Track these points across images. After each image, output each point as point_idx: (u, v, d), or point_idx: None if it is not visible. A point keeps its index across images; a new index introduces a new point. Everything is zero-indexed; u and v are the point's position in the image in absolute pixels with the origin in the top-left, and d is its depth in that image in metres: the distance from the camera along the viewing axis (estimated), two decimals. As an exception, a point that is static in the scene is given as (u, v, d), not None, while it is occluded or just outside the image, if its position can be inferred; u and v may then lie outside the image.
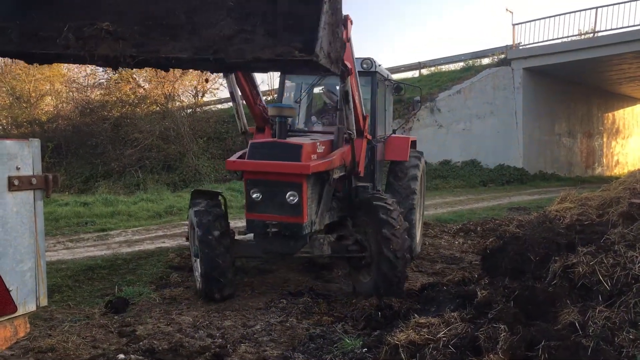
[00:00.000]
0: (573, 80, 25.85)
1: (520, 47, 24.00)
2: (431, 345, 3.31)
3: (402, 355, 3.34)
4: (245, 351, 4.80)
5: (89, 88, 24.49)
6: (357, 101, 6.24)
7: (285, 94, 8.03)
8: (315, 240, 6.25)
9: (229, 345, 5.01)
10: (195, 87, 23.82)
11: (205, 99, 25.03)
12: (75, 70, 25.68)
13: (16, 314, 2.04)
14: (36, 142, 2.16)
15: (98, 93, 24.15)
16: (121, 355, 4.69)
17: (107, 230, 11.48)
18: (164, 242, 10.08)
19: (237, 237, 6.66)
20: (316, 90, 8.35)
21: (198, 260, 6.43)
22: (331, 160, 6.10)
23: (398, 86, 8.58)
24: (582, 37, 22.66)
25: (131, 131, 21.35)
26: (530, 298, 3.40)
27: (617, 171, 30.60)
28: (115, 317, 6.03)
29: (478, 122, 23.20)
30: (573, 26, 23.83)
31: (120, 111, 22.64)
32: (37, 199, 2.09)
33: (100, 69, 23.15)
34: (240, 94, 6.79)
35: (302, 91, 8.03)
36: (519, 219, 11.09)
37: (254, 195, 5.77)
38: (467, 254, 9.07)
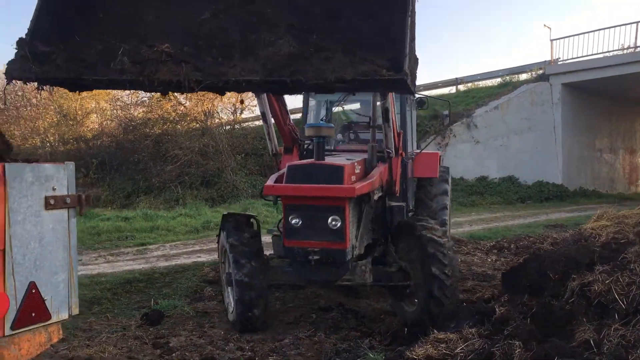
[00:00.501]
0: (614, 95, 25.35)
1: (559, 63, 23.74)
2: (448, 361, 3.41)
3: (420, 369, 3.44)
4: (273, 364, 4.93)
5: (132, 106, 25.28)
6: (394, 118, 6.08)
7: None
8: (357, 267, 5.75)
9: (257, 358, 5.16)
10: (234, 105, 24.32)
11: (243, 115, 25.55)
12: (119, 88, 26.58)
13: (50, 322, 2.26)
14: (71, 165, 2.39)
15: (141, 110, 24.90)
16: (154, 366, 4.89)
17: (146, 245, 11.85)
18: (199, 257, 10.35)
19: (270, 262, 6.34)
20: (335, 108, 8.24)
21: (229, 288, 6.17)
22: (372, 181, 5.83)
23: (421, 100, 8.35)
24: (624, 52, 22.27)
25: (171, 148, 21.91)
26: (547, 315, 3.45)
27: (663, 188, 29.73)
28: (151, 329, 6.26)
29: (516, 138, 22.97)
30: (613, 41, 23.48)
31: (162, 128, 23.27)
32: (70, 216, 2.30)
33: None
34: (270, 114, 6.54)
35: (327, 109, 8.00)
36: (553, 237, 10.95)
37: (294, 221, 5.43)
38: (499, 272, 9.02)
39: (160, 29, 2.96)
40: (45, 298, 2.20)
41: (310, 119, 7.82)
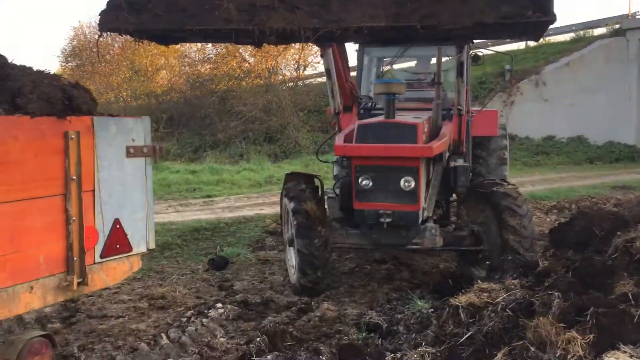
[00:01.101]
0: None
1: (637, 17, 22.46)
2: (489, 308, 3.60)
3: (462, 315, 3.66)
4: (328, 308, 5.27)
5: (198, 62, 25.91)
6: (468, 73, 5.77)
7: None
8: (427, 231, 5.43)
9: (313, 303, 5.52)
10: (297, 61, 24.49)
11: (306, 72, 25.73)
12: (187, 44, 27.27)
13: (131, 253, 2.63)
14: (147, 119, 2.71)
15: (207, 67, 25.51)
16: (219, 304, 5.34)
17: (212, 197, 12.45)
18: (262, 209, 10.81)
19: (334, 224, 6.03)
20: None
21: (291, 249, 5.99)
22: (446, 140, 5.65)
23: (476, 55, 7.95)
24: None
25: (236, 104, 22.46)
26: (589, 269, 3.57)
27: None
28: (216, 273, 6.76)
29: (587, 96, 22.08)
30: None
31: (227, 85, 23.83)
32: (147, 164, 2.64)
33: (210, 44, 24.44)
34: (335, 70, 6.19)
35: (377, 67, 7.73)
36: (617, 198, 10.77)
37: (364, 183, 5.20)
38: (549, 231, 9.00)
39: None
40: (127, 233, 2.57)
41: (366, 77, 7.61)
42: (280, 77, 24.32)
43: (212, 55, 25.32)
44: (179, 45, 28.91)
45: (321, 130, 22.79)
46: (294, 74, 25.08)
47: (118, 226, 2.50)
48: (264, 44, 2.93)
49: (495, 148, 7.77)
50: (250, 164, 17.73)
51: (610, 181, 15.56)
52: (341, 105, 6.46)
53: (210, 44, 23.76)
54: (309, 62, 24.67)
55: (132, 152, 2.53)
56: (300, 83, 25.11)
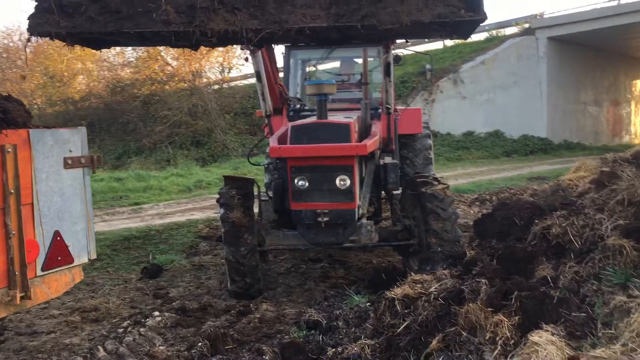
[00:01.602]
0: (599, 48, 25.58)
1: (545, 16, 23.83)
2: (423, 298, 3.79)
3: (398, 306, 3.83)
4: (267, 309, 5.34)
5: (119, 66, 25.20)
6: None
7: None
8: (362, 228, 5.53)
9: (252, 305, 5.56)
10: (222, 64, 24.32)
11: (231, 74, 25.57)
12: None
13: (73, 265, 2.60)
14: (83, 130, 2.69)
15: (128, 71, 24.84)
16: (157, 313, 5.29)
17: (140, 204, 12.18)
18: (193, 215, 10.70)
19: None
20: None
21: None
22: (377, 139, 5.77)
23: (397, 56, 8.08)
24: (608, 4, 22.42)
25: (160, 108, 22.02)
26: (511, 256, 3.84)
27: (646, 139, 30.32)
28: (150, 281, 6.66)
29: (502, 92, 23.24)
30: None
31: (150, 89, 23.30)
32: (85, 174, 2.62)
33: (129, 48, 23.81)
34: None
35: (308, 67, 7.81)
36: (533, 188, 11.36)
37: (300, 183, 5.23)
38: (473, 223, 9.44)
39: None
40: (68, 244, 2.54)
41: (292, 79, 7.69)
42: (205, 80, 24.05)
43: (132, 59, 24.71)
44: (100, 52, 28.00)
45: (249, 133, 22.75)
46: (219, 76, 24.89)
47: (58, 238, 2.48)
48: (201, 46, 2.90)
49: (421, 148, 7.98)
50: (178, 169, 17.46)
51: (526, 172, 16.46)
52: (271, 107, 6.44)
53: (130, 47, 23.16)
54: (233, 65, 24.55)
55: (70, 163, 2.52)
56: (225, 85, 24.94)
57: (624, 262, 3.33)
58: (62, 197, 2.49)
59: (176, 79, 23.29)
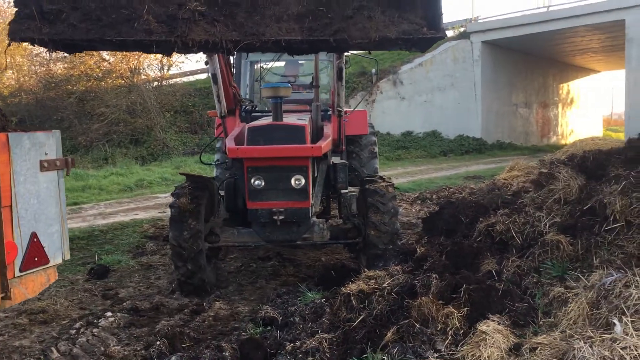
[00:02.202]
0: (530, 52, 26.80)
1: (479, 21, 24.75)
2: (377, 293, 3.99)
3: (353, 301, 4.01)
4: (220, 307, 5.40)
5: (52, 61, 24.34)
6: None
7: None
8: (315, 226, 5.75)
9: (205, 304, 5.61)
10: (161, 61, 23.91)
11: (171, 72, 25.19)
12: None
13: (48, 265, 2.63)
14: (58, 133, 2.71)
15: (61, 67, 24.03)
16: (109, 313, 5.26)
17: (79, 204, 11.88)
18: (137, 214, 10.56)
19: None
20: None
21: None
22: (330, 140, 5.97)
23: (346, 60, 8.17)
24: (538, 10, 23.54)
25: (97, 105, 21.47)
26: (459, 252, 4.10)
27: (571, 139, 31.92)
28: (98, 282, 6.56)
29: (439, 94, 24.00)
30: (529, 0, 24.66)
31: (86, 85, 22.66)
32: (60, 177, 2.65)
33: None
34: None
35: (250, 70, 7.93)
36: (471, 187, 11.91)
37: (256, 183, 5.36)
38: (422, 220, 9.82)
39: None
40: (44, 245, 2.56)
41: (243, 81, 7.78)
42: (144, 77, 23.59)
43: (66, 54, 23.94)
44: (26, 43, 26.91)
45: (189, 131, 22.52)
46: (158, 73, 24.48)
47: (35, 239, 2.49)
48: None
49: (366, 144, 8.25)
50: (117, 167, 17.08)
51: (462, 172, 17.11)
52: (226, 109, 6.43)
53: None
54: (173, 62, 24.19)
55: (46, 165, 2.54)
56: (164, 83, 24.55)
57: (561, 256, 3.64)
58: (39, 199, 2.51)
59: (114, 75, 22.73)
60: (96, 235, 8.81)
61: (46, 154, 2.55)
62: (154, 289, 6.31)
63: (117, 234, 8.87)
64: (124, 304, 5.70)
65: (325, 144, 5.66)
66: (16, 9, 2.77)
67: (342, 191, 6.41)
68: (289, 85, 6.20)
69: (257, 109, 7.29)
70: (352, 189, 6.48)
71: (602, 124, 40.91)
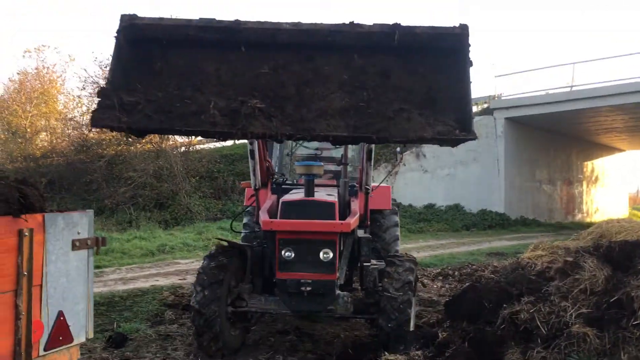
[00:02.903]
0: (553, 130, 26.93)
1: (502, 98, 25.10)
2: (398, 379, 3.92)
3: (373, 387, 3.93)
4: (236, 384, 5.32)
5: (84, 126, 25.15)
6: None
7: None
8: (340, 298, 5.86)
9: (221, 380, 5.53)
10: (189, 128, 24.52)
11: (198, 138, 25.78)
12: (71, 106, 26.48)
13: (72, 344, 2.65)
14: (91, 212, 2.80)
15: (94, 131, 24.76)
16: (125, 386, 5.20)
17: (102, 267, 11.96)
18: (157, 280, 10.57)
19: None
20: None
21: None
22: (358, 217, 6.22)
23: None
24: (561, 90, 23.82)
25: (125, 169, 21.94)
26: (482, 340, 4.01)
27: (596, 217, 31.48)
28: (115, 351, 6.52)
29: (462, 168, 24.08)
30: (552, 79, 25.05)
31: (116, 149, 23.25)
32: (90, 255, 2.72)
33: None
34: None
35: (291, 144, 8.24)
36: (494, 265, 11.73)
37: (286, 254, 5.63)
38: (443, 298, 9.64)
39: (221, 81, 3.27)
40: (69, 324, 2.60)
41: (274, 155, 8.03)
42: (172, 142, 24.16)
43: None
44: (61, 107, 28.03)
45: (213, 197, 22.78)
46: (186, 139, 25.06)
47: (62, 318, 2.54)
48: None
49: (389, 225, 8.33)
50: (141, 231, 17.24)
51: (485, 247, 16.89)
52: (260, 182, 6.78)
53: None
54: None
55: (78, 245, 2.62)
56: (191, 149, 25.09)
57: (587, 349, 3.55)
58: (68, 277, 2.58)
59: (143, 140, 23.33)
60: (116, 301, 8.81)
61: (79, 233, 2.64)
62: (171, 360, 6.25)
63: (136, 301, 8.86)
64: (140, 376, 5.65)
65: (353, 220, 5.89)
66: (99, 99, 3.11)
67: (365, 264, 6.43)
68: (322, 164, 6.51)
69: (287, 181, 7.56)
70: (375, 262, 6.51)
71: (628, 201, 40.36)
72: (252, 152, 6.34)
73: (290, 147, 8.40)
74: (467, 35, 3.45)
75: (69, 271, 2.55)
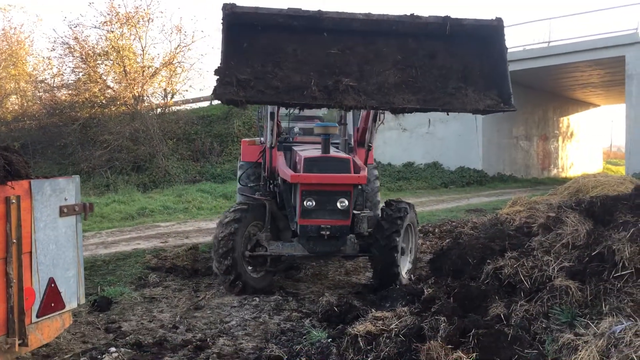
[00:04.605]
0: (530, 86, 27.04)
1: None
2: (385, 335, 3.98)
3: (361, 343, 3.99)
4: (224, 344, 5.38)
5: (56, 88, 24.56)
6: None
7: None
8: (348, 240, 6.73)
9: (208, 339, 5.58)
10: (165, 89, 24.15)
11: (174, 99, 25.39)
12: (41, 68, 25.80)
13: (64, 310, 2.64)
14: (77, 178, 2.75)
15: (66, 93, 24.23)
16: (113, 349, 5.22)
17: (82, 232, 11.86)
18: (139, 244, 10.53)
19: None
20: None
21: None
22: (366, 170, 7.04)
23: None
24: (539, 45, 23.84)
25: (100, 132, 21.60)
26: (467, 295, 4.10)
27: (571, 172, 32.03)
28: (101, 314, 6.52)
29: (440, 125, 24.15)
30: (530, 35, 25.00)
31: (89, 112, 22.81)
32: (78, 221, 2.68)
33: (68, 69, 23.39)
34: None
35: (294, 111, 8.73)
36: (473, 221, 11.87)
37: (307, 204, 6.46)
38: (425, 254, 9.79)
39: (298, 58, 3.97)
40: (61, 290, 2.58)
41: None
42: (147, 104, 23.77)
43: (71, 81, 24.17)
44: (31, 69, 27.21)
45: (191, 159, 22.59)
46: (162, 101, 24.66)
47: (53, 285, 2.52)
48: None
49: (370, 178, 8.50)
50: (119, 195, 17.08)
51: (464, 204, 17.11)
52: (275, 140, 7.52)
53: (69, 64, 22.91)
54: (177, 90, 24.43)
55: (65, 211, 2.58)
56: (168, 111, 24.72)
57: (569, 302, 3.64)
58: (57, 244, 2.55)
59: (117, 102, 22.91)
60: (99, 265, 8.78)
61: (66, 199, 2.59)
62: (157, 322, 6.27)
63: (119, 265, 8.84)
64: (127, 338, 5.66)
65: (365, 174, 6.78)
66: (217, 77, 3.79)
67: (355, 212, 7.06)
68: (336, 124, 7.50)
69: (291, 140, 8.45)
70: (364, 211, 7.22)
71: (602, 156, 41.07)
72: (272, 114, 7.00)
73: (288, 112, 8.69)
74: (503, 26, 4.33)
75: (58, 238, 2.52)
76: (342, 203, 6.45)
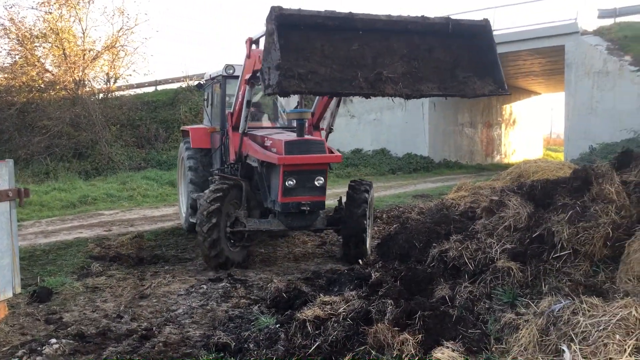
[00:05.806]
0: (475, 74, 27.53)
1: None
2: (333, 319, 3.99)
3: (309, 328, 4.00)
4: (170, 332, 5.28)
5: (-8, 71, 23.44)
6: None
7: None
8: (319, 216, 7.53)
9: (154, 328, 5.47)
10: (107, 74, 23.41)
11: (117, 84, 24.65)
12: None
13: (-3, 300, 2.50)
14: (11, 162, 2.61)
15: (1, 77, 23.16)
16: (53, 340, 5.05)
17: (20, 221, 11.41)
18: (81, 233, 10.23)
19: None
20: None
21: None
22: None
23: None
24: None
25: (39, 118, 20.79)
26: (413, 278, 4.16)
27: (514, 158, 32.96)
28: (41, 306, 6.29)
29: (388, 112, 24.38)
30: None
31: (27, 97, 21.89)
32: (12, 207, 2.54)
33: (4, 52, 22.41)
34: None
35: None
36: (420, 207, 12.12)
37: (289, 183, 7.01)
38: (373, 240, 9.90)
39: (325, 54, 4.68)
40: (-7, 280, 2.45)
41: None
42: (89, 89, 22.99)
43: (7, 64, 23.10)
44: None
45: (136, 146, 22.05)
46: (104, 86, 23.91)
47: (-17, 274, 2.38)
48: None
49: None
50: (60, 182, 16.52)
51: (411, 190, 17.37)
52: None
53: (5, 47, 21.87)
54: (120, 75, 23.72)
55: (-3, 196, 2.44)
56: (110, 96, 23.99)
57: (511, 283, 3.74)
58: (-12, 231, 2.41)
59: (57, 87, 22.07)
60: (38, 255, 8.48)
61: (-3, 184, 2.46)
62: (100, 312, 6.10)
63: (60, 254, 8.56)
64: (69, 329, 5.49)
65: (339, 154, 7.68)
66: (279, 72, 4.44)
67: None
68: (310, 110, 8.19)
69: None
70: None
71: (543, 143, 42.43)
72: (248, 102, 7.51)
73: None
74: (490, 25, 5.41)
75: (-11, 224, 2.39)
76: (319, 180, 7.07)
